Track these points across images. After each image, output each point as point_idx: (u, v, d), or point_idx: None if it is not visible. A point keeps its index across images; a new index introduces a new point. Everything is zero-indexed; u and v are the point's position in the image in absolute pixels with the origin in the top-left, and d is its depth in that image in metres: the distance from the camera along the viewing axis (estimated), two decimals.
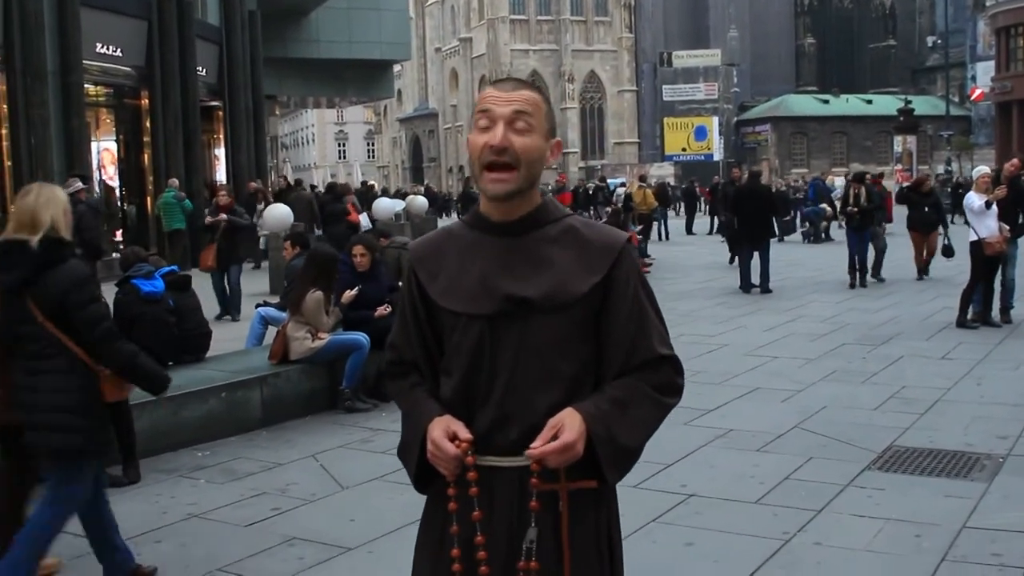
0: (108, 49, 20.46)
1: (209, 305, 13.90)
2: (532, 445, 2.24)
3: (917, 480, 6.25)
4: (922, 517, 5.52)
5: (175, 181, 19.91)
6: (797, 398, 8.57)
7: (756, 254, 16.00)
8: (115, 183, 22.34)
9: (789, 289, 16.27)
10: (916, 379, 9.18)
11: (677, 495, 6.02)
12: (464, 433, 2.30)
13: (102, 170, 21.70)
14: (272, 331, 9.37)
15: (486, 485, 2.33)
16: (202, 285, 15.54)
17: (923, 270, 16.91)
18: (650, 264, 20.53)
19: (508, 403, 2.34)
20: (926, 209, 16.31)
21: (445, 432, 2.31)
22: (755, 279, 16.05)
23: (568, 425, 2.25)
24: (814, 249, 24.42)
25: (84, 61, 18.87)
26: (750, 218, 16.11)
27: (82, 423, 4.53)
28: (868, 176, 18.23)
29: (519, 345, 2.34)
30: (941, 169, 48.05)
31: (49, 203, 4.62)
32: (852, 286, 16.09)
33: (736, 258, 18.34)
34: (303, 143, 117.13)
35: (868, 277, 16.49)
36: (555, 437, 2.24)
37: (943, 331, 11.86)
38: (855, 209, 16.42)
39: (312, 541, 5.36)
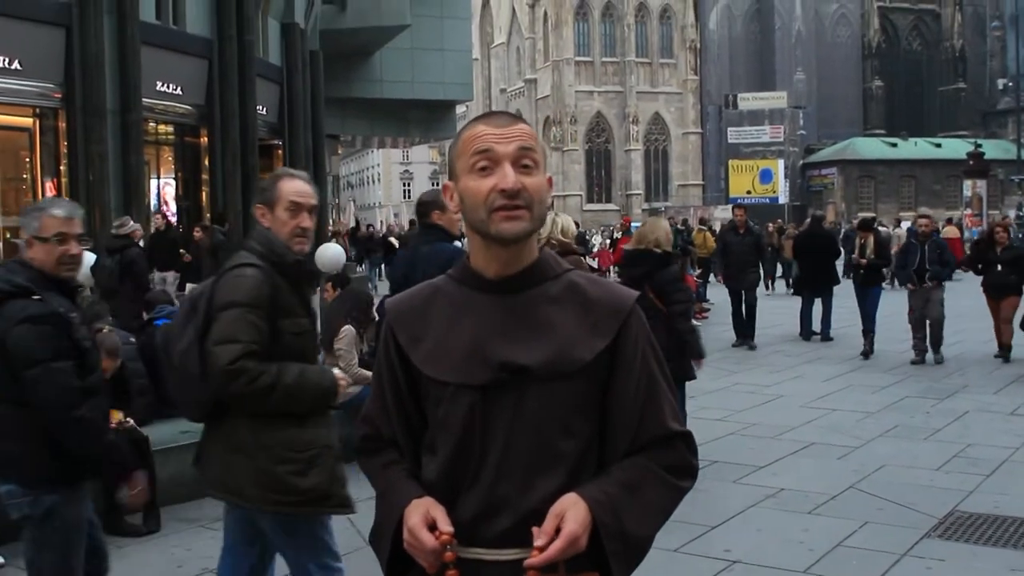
0: (168, 87, 20.59)
1: None
2: (536, 544, 1.91)
3: (980, 551, 5.81)
4: None
5: None
6: (854, 455, 8.14)
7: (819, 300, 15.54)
8: (174, 220, 22.49)
9: (852, 337, 15.68)
10: (983, 437, 8.70)
11: (719, 561, 5.65)
12: (445, 524, 1.98)
13: (164, 206, 21.86)
14: None
15: None
16: None
17: (1005, 346, 13.24)
18: (708, 309, 20.10)
19: (500, 487, 2.02)
20: (999, 267, 13.18)
21: (424, 519, 1.99)
22: (816, 326, 15.61)
23: (571, 517, 1.93)
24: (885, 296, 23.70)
25: (144, 99, 18.98)
26: (811, 264, 15.65)
27: (678, 356, 7.26)
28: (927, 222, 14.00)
29: (514, 420, 2.03)
30: (1012, 214, 46.90)
31: (657, 228, 7.97)
32: (864, 355, 13.65)
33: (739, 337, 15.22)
34: (369, 182, 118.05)
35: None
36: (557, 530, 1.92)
37: (1013, 384, 11.33)
38: (862, 261, 14.15)
39: None
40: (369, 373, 7.98)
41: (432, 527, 1.98)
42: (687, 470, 2.14)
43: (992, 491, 7.02)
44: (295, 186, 3.76)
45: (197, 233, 17.22)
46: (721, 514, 6.51)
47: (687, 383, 7.91)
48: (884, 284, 15.46)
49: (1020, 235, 31.04)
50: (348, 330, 8.13)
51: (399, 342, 2.16)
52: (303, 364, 3.72)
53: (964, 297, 17.40)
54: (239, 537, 3.97)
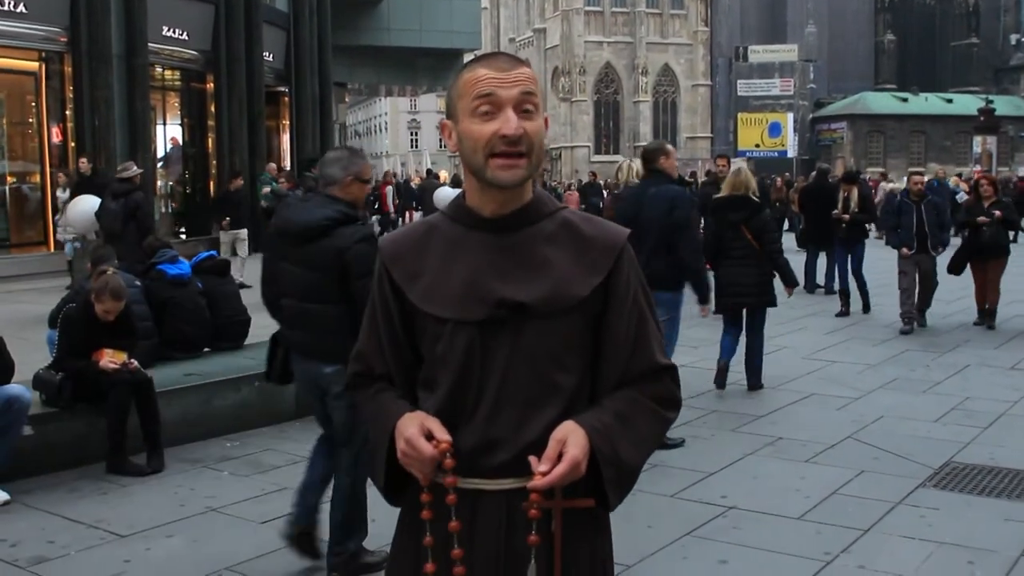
0: (175, 32, 20.53)
1: None
2: (539, 469, 1.94)
3: (975, 500, 5.86)
4: (977, 542, 5.15)
5: (272, 166, 20.02)
6: (853, 406, 8.19)
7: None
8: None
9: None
10: (981, 390, 8.74)
11: (716, 507, 5.71)
12: (442, 433, 2.00)
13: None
14: None
15: (467, 511, 2.05)
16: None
17: (987, 314, 12.23)
18: None
19: (499, 421, 2.05)
20: (984, 229, 12.01)
21: (420, 429, 2.01)
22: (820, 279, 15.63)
23: (573, 443, 1.96)
24: (885, 251, 23.66)
25: (150, 44, 18.94)
26: (816, 217, 15.59)
27: (767, 289, 8.50)
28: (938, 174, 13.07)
29: (512, 355, 2.06)
30: (1022, 172, 46.68)
31: (751, 177, 8.84)
32: (843, 313, 13.31)
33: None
34: (376, 131, 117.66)
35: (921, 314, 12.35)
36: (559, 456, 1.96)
37: (1014, 340, 11.35)
38: (844, 216, 13.51)
39: (326, 541, 5.14)
40: None
41: (429, 437, 2.00)
42: (673, 402, 2.19)
43: (989, 443, 7.06)
44: None
45: (238, 182, 17.05)
46: (719, 461, 6.57)
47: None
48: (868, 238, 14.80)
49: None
50: None
51: (393, 279, 2.17)
52: None
53: None
54: None
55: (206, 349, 8.18)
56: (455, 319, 2.08)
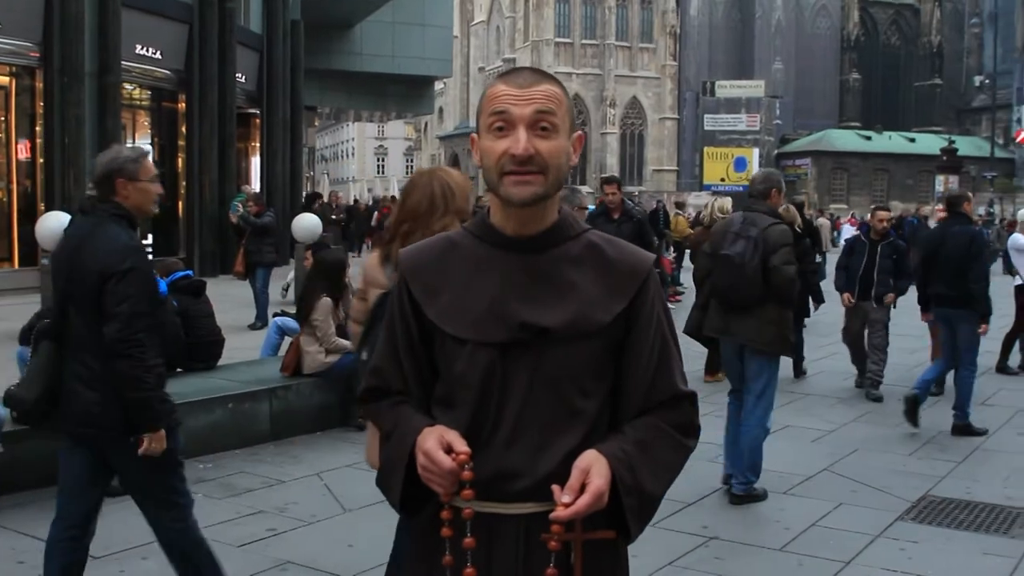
0: (148, 51, 20.42)
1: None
2: (562, 500, 1.90)
3: (953, 534, 5.88)
4: (957, 575, 5.15)
5: (248, 188, 19.85)
6: (828, 439, 8.22)
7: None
8: None
9: (827, 324, 15.79)
10: None
11: (697, 537, 5.70)
12: (461, 445, 1.95)
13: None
14: (288, 341, 9.11)
15: (485, 534, 2.01)
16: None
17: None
18: (682, 293, 20.16)
19: (518, 446, 2.01)
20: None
21: (439, 442, 1.96)
22: None
23: (597, 472, 1.93)
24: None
25: (123, 62, 18.81)
26: None
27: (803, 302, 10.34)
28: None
29: (532, 379, 2.02)
30: (982, 211, 47.20)
31: (795, 212, 10.37)
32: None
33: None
34: (343, 156, 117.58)
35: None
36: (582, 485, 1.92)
37: (983, 375, 11.37)
38: None
39: (304, 566, 5.08)
40: (346, 343, 7.96)
41: (448, 451, 1.95)
42: (693, 429, 2.17)
43: (964, 477, 7.10)
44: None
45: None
46: (698, 492, 6.55)
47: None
48: None
49: (989, 233, 31.02)
50: (324, 301, 8.11)
51: (412, 293, 2.13)
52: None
53: None
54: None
55: (179, 369, 8.07)
56: (475, 340, 2.04)
